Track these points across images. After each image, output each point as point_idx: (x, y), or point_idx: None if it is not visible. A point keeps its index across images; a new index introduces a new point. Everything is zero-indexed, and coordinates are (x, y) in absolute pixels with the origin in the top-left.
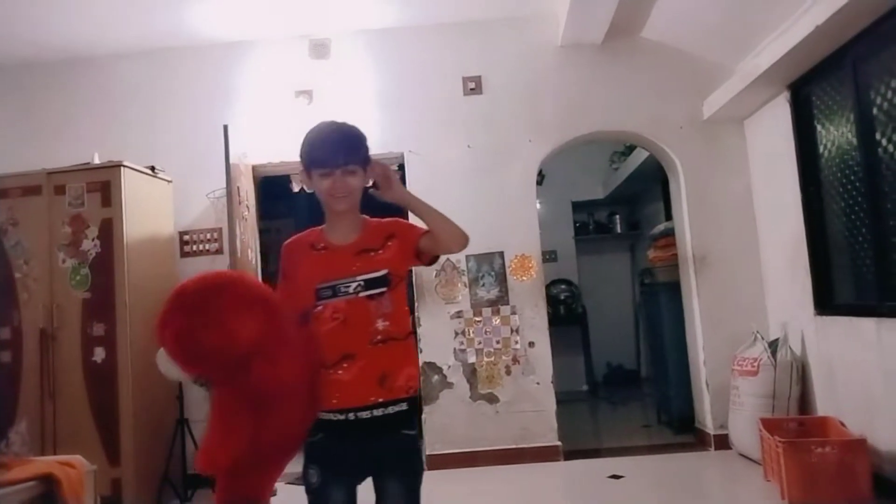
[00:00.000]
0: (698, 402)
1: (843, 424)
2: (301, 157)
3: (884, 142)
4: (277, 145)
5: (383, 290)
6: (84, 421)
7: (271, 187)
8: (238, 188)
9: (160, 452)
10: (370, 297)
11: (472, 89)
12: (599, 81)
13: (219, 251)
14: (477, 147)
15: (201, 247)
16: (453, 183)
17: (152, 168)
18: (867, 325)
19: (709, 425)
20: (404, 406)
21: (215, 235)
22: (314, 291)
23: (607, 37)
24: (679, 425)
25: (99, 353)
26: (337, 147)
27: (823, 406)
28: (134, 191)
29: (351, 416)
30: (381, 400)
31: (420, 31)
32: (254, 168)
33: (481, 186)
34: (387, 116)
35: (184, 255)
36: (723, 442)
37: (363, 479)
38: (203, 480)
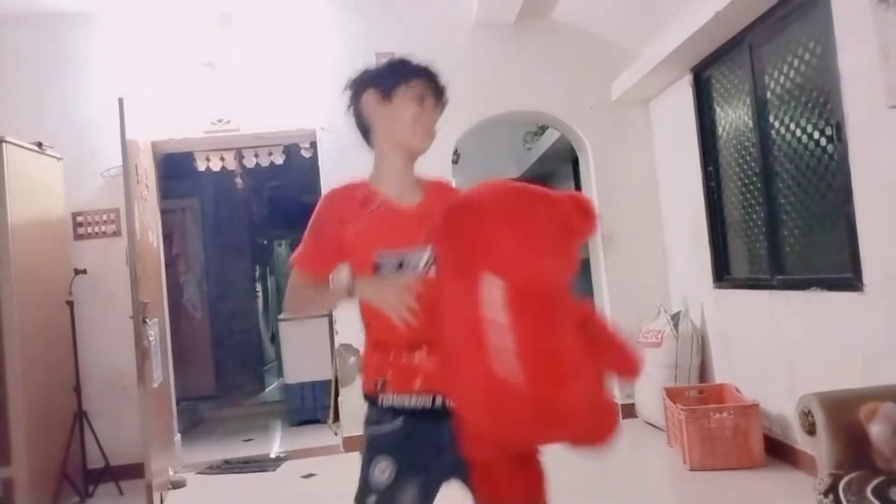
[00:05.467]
0: None
1: (738, 390)
2: (372, 72)
3: (776, 124)
4: (180, 120)
5: None
6: None
7: (173, 165)
8: (136, 166)
9: (57, 448)
10: None
11: None
12: (512, 61)
13: (116, 233)
14: None
15: (97, 228)
16: (367, 161)
17: (39, 144)
18: (760, 297)
19: (616, 395)
20: None
21: (112, 216)
22: (371, 262)
23: (520, 17)
24: None
25: None
26: (442, 83)
27: (721, 373)
28: (19, 168)
29: (440, 402)
30: None
31: (332, 3)
32: (153, 144)
33: None
34: (298, 92)
35: (78, 237)
36: (629, 411)
37: (448, 479)
38: (105, 475)
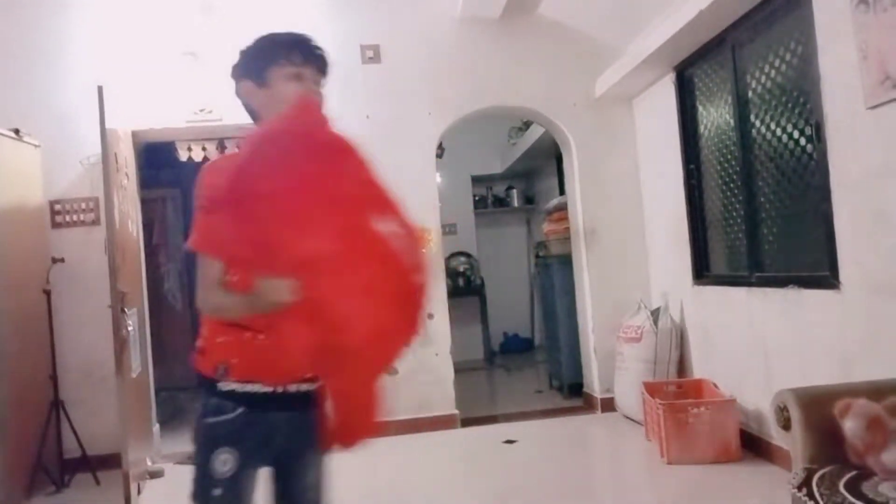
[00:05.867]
0: (587, 367)
1: (716, 386)
2: (249, 56)
3: (757, 123)
4: (161, 109)
5: None
6: None
7: (154, 155)
8: (116, 154)
9: (32, 437)
10: None
11: (370, 58)
12: (497, 56)
13: (95, 222)
14: (376, 118)
15: (76, 217)
16: None
17: (16, 131)
18: (738, 294)
19: (596, 389)
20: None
21: (91, 205)
22: None
23: (505, 11)
24: (569, 390)
25: None
26: (315, 46)
27: (699, 369)
28: None
29: (280, 389)
30: (308, 375)
31: None
32: (134, 133)
33: (380, 158)
34: None
35: (55, 225)
36: (609, 405)
37: (268, 463)
38: (81, 465)
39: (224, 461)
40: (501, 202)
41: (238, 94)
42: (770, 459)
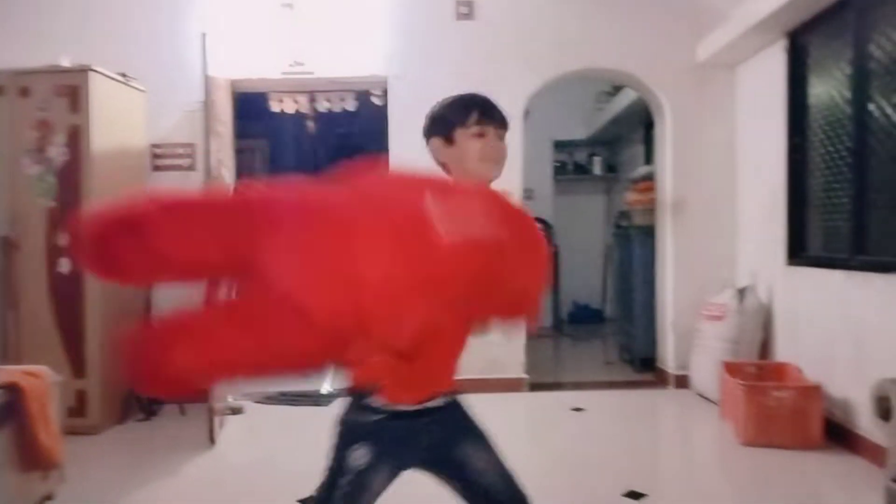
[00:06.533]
0: (661, 342)
1: (800, 371)
2: (433, 119)
3: (878, 98)
4: (258, 60)
5: None
6: (48, 332)
7: (247, 105)
8: (214, 102)
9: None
10: None
11: (464, 14)
12: (595, 16)
13: (192, 167)
14: (465, 76)
15: (173, 161)
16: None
17: (124, 75)
18: (836, 277)
19: (670, 365)
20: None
21: (188, 151)
22: None
23: None
24: (640, 364)
25: (65, 264)
26: (491, 104)
27: (784, 352)
28: (104, 98)
29: (423, 407)
30: (450, 389)
31: None
32: (232, 83)
33: None
34: (373, 38)
35: (155, 168)
36: (682, 382)
37: (413, 466)
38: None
39: (360, 455)
40: (582, 169)
41: (429, 149)
42: (855, 451)
